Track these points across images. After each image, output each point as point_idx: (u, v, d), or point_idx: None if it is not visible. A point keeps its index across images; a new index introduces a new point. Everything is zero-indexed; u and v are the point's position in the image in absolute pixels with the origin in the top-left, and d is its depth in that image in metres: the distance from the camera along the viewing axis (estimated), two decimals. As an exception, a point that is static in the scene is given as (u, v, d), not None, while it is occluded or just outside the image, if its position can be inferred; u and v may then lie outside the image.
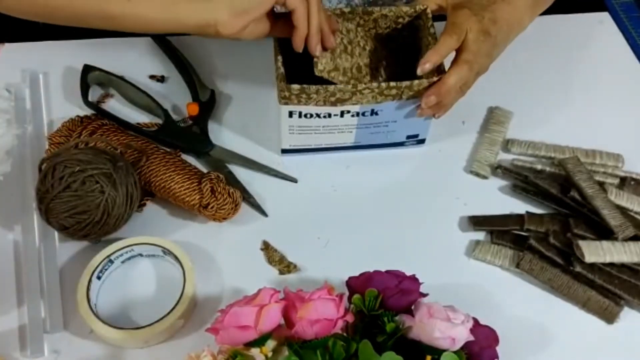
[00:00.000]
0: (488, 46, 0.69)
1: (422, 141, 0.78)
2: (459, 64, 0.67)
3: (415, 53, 0.75)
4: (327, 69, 0.70)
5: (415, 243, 0.70)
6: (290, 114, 0.70)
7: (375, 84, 0.67)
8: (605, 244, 0.67)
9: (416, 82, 0.67)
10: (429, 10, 0.72)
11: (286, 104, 0.68)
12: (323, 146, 0.76)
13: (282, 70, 0.68)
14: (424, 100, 0.68)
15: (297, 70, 0.69)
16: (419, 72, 0.67)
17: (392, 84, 0.67)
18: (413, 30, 0.75)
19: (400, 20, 0.75)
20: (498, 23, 0.69)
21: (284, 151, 0.76)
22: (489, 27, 0.68)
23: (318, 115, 0.70)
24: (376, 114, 0.71)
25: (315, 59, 0.68)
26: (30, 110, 0.79)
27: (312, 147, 0.75)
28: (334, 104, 0.68)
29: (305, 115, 0.69)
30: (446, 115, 0.72)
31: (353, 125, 0.72)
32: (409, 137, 0.76)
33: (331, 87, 0.66)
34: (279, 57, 0.69)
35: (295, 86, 0.66)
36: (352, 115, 0.71)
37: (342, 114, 0.70)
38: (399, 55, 0.77)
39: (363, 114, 0.71)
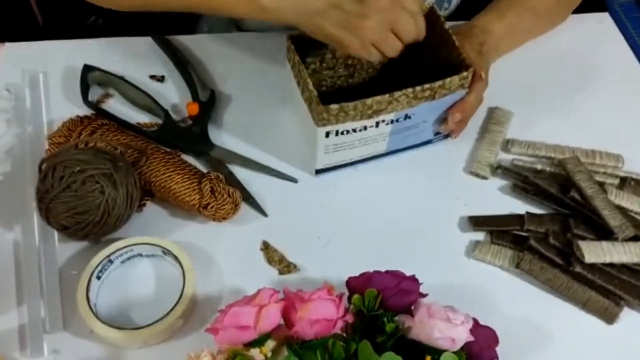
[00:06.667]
0: (485, 62, 0.77)
1: (447, 135, 0.78)
2: (474, 80, 0.71)
3: (422, 51, 0.74)
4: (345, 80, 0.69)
5: (415, 243, 0.70)
6: (327, 134, 0.67)
7: (410, 89, 0.66)
8: (605, 244, 0.67)
9: (448, 80, 0.67)
10: (436, 7, 0.72)
11: (324, 125, 0.66)
12: (356, 159, 0.74)
13: (315, 93, 0.65)
14: (451, 117, 0.72)
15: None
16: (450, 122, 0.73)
17: (426, 85, 0.66)
18: None
19: None
20: (485, 44, 0.78)
21: (318, 171, 0.74)
22: (478, 47, 0.77)
23: (354, 130, 0.68)
24: (409, 117, 0.70)
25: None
26: (30, 110, 0.79)
27: (346, 162, 0.74)
28: (370, 116, 0.67)
29: (342, 133, 0.68)
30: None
31: (387, 133, 0.71)
32: (436, 133, 0.76)
33: (368, 100, 0.64)
34: (309, 80, 0.66)
35: (334, 106, 0.63)
36: (387, 124, 0.69)
37: (377, 124, 0.69)
38: (406, 56, 0.76)
39: (397, 120, 0.69)
